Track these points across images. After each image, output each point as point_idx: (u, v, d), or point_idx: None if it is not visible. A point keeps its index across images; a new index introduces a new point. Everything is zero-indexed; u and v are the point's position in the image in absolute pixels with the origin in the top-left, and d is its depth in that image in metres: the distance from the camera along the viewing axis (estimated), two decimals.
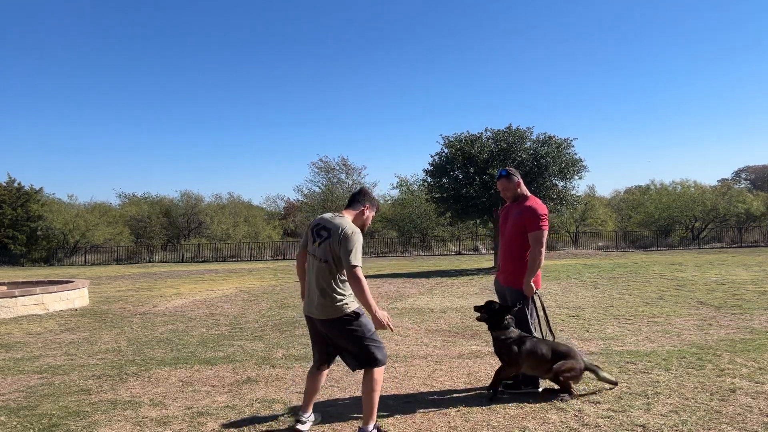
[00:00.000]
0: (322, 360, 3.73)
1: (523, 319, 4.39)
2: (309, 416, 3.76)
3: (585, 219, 37.75)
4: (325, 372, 3.82)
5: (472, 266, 20.88)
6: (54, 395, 4.75)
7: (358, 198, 3.72)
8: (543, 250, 4.29)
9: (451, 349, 6.21)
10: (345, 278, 3.48)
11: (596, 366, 4.42)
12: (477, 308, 4.46)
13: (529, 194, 4.54)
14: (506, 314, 4.29)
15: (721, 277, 12.95)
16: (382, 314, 3.42)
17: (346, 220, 3.56)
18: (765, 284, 11.29)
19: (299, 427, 3.66)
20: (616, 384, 4.39)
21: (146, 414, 4.16)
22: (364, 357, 3.49)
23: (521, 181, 4.57)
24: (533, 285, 4.31)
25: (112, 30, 79.76)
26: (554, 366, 4.14)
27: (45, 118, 78.84)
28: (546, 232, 4.33)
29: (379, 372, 3.50)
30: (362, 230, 3.64)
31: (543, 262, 4.33)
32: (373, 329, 3.52)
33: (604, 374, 4.40)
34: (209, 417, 4.05)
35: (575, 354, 4.26)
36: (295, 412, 3.95)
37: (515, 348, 4.16)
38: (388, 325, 3.42)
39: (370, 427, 3.46)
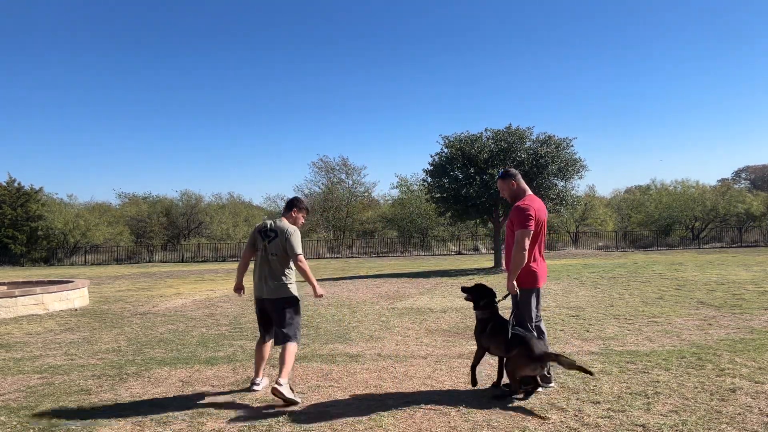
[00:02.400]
0: (269, 335, 4.83)
1: (521, 318, 4.41)
2: (261, 380, 4.81)
3: (585, 219, 37.75)
4: (270, 344, 4.85)
5: (472, 266, 20.87)
6: (54, 395, 4.75)
7: (288, 206, 4.92)
8: (523, 249, 4.24)
9: (451, 349, 6.21)
10: (291, 266, 4.73)
11: (558, 355, 4.22)
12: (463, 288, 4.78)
13: (525, 194, 4.54)
14: (485, 297, 4.52)
15: (721, 277, 12.95)
16: (321, 289, 4.79)
17: (286, 222, 4.77)
18: (765, 284, 11.29)
19: (255, 388, 4.70)
20: (590, 373, 4.15)
21: (146, 414, 4.16)
22: (288, 333, 4.61)
23: (516, 181, 4.57)
24: (515, 283, 4.30)
25: (112, 30, 79.82)
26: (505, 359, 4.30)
27: (45, 118, 78.89)
28: (528, 231, 4.26)
29: (294, 346, 4.61)
30: (297, 227, 4.86)
31: (524, 261, 4.26)
32: (300, 317, 4.79)
33: (568, 360, 4.16)
34: (209, 417, 4.05)
35: (527, 340, 4.16)
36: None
37: (479, 327, 4.56)
38: (321, 295, 4.81)
39: (285, 379, 4.38)
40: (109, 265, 33.76)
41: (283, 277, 4.65)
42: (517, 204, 4.42)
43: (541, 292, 4.58)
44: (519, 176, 4.64)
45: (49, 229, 36.79)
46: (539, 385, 4.30)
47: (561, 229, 36.24)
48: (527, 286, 4.39)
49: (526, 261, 4.29)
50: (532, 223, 4.29)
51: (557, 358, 4.17)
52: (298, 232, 4.74)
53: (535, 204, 4.41)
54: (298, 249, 4.63)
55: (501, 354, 4.39)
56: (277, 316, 4.64)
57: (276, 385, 4.22)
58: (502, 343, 4.31)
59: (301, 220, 4.92)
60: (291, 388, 4.43)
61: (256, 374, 4.83)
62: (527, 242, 4.27)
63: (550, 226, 34.33)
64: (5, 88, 72.45)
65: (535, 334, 4.41)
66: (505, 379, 4.41)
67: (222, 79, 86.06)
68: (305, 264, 4.64)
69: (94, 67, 79.27)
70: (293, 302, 4.67)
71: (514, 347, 4.22)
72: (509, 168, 4.77)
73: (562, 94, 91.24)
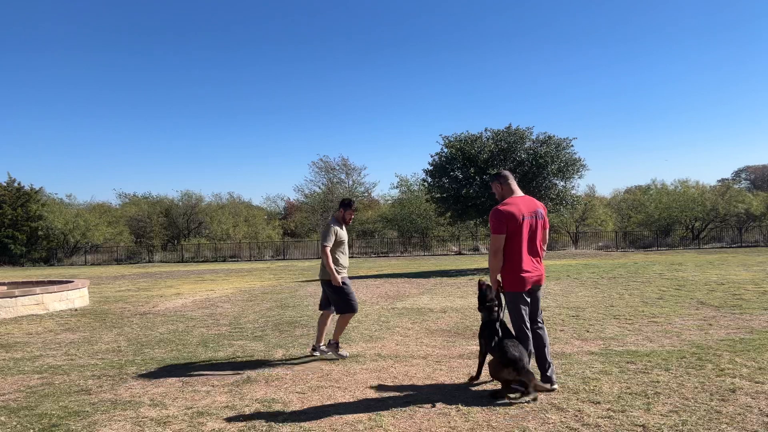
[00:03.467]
0: (325, 308, 5.99)
1: (513, 321, 4.49)
2: (323, 346, 5.93)
3: (585, 219, 37.77)
4: (328, 315, 5.98)
5: (472, 266, 20.87)
6: (54, 395, 4.75)
7: (339, 205, 6.01)
8: (493, 252, 4.40)
9: (451, 349, 6.21)
10: (336, 255, 5.79)
11: (531, 375, 4.22)
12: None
13: (511, 195, 4.54)
14: (485, 301, 4.66)
15: (721, 277, 12.94)
16: (337, 278, 5.65)
17: (330, 219, 5.90)
18: (765, 284, 11.29)
19: (316, 353, 5.87)
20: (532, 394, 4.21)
21: (146, 414, 4.16)
22: (336, 308, 5.83)
23: (502, 183, 4.60)
24: (498, 283, 4.46)
25: (112, 29, 79.81)
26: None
27: (45, 118, 78.91)
28: (497, 235, 4.34)
29: (346, 316, 5.81)
30: (346, 223, 5.98)
31: (499, 264, 4.36)
32: (349, 294, 5.76)
33: (541, 386, 4.24)
34: (209, 417, 4.05)
35: (504, 348, 4.24)
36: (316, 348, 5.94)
37: (480, 330, 4.69)
38: (338, 283, 5.67)
39: (335, 340, 5.87)
40: (109, 265, 33.75)
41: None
42: (493, 209, 4.48)
43: (539, 294, 4.55)
44: (507, 179, 4.61)
45: (49, 229, 36.78)
46: (528, 390, 4.20)
47: (561, 229, 36.24)
48: (510, 290, 4.42)
49: (499, 263, 4.38)
50: (501, 226, 4.34)
51: (527, 376, 4.16)
52: (330, 227, 5.75)
53: (510, 206, 4.40)
54: (324, 240, 5.71)
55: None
56: (325, 293, 5.91)
57: (324, 347, 5.90)
58: (488, 346, 4.46)
59: (348, 217, 5.95)
60: (337, 346, 5.87)
61: (318, 341, 5.95)
62: (497, 245, 4.36)
63: (550, 226, 34.32)
64: (5, 87, 72.50)
65: (530, 337, 4.43)
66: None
67: (222, 79, 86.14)
68: (326, 255, 5.66)
69: (93, 67, 79.36)
70: (332, 284, 5.71)
71: (494, 352, 4.36)
72: (501, 170, 4.82)
73: (562, 94, 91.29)
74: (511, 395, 4.22)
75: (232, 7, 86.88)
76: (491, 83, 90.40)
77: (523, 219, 4.37)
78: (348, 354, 5.90)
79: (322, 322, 6.01)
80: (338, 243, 5.80)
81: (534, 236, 4.46)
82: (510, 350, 4.24)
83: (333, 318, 6.09)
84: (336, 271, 5.70)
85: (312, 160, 64.90)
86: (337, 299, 5.75)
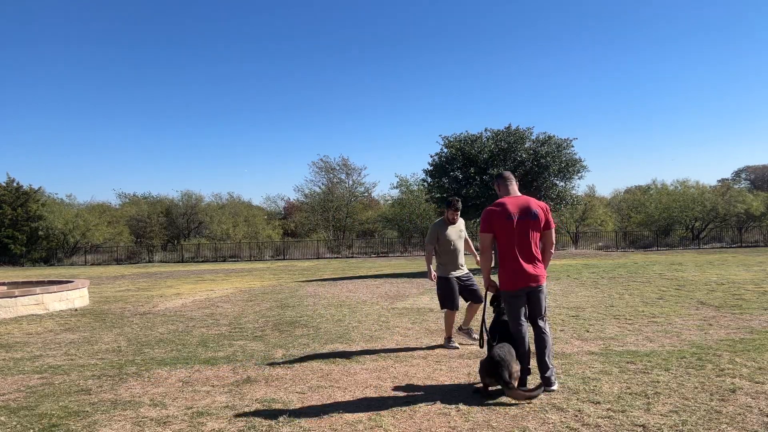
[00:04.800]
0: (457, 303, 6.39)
1: (507, 316, 4.62)
2: (453, 341, 6.30)
3: (585, 219, 37.77)
4: (474, 306, 6.40)
5: (472, 266, 20.84)
6: (54, 395, 4.75)
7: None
8: (481, 251, 4.65)
9: (451, 349, 6.20)
10: (440, 253, 6.27)
11: (512, 387, 4.16)
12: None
13: (506, 196, 4.60)
14: (494, 302, 4.92)
15: (721, 277, 12.95)
16: (431, 274, 6.26)
17: (437, 220, 6.52)
18: (765, 284, 11.29)
19: (452, 344, 6.22)
20: (540, 387, 4.27)
21: (146, 414, 4.16)
22: (440, 302, 6.36)
23: (499, 184, 4.71)
24: (492, 282, 4.69)
25: (111, 29, 79.83)
26: None
27: (45, 118, 78.94)
28: (483, 234, 4.52)
29: (446, 312, 6.28)
30: (451, 222, 6.39)
31: (487, 263, 4.63)
32: (445, 290, 6.21)
33: (519, 393, 4.19)
34: (209, 417, 4.05)
35: (490, 354, 4.31)
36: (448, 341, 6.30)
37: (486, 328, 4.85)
38: (432, 278, 6.26)
39: (447, 334, 6.35)
40: (109, 265, 33.75)
41: (434, 259, 6.37)
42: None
43: (541, 296, 4.51)
44: (505, 180, 4.67)
45: (49, 229, 36.77)
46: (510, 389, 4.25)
47: (561, 229, 36.23)
48: (501, 288, 4.58)
49: (487, 262, 4.63)
50: (486, 225, 4.50)
51: (507, 385, 4.14)
52: (432, 227, 6.39)
53: (497, 206, 4.48)
54: (426, 239, 6.47)
55: None
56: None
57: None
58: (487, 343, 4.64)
59: (451, 216, 6.37)
60: (470, 331, 6.42)
61: (449, 336, 6.36)
62: (483, 244, 4.54)
63: None
64: (5, 87, 72.53)
65: (524, 337, 4.48)
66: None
67: (222, 79, 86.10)
68: (426, 250, 6.45)
69: (94, 66, 79.34)
70: (438, 279, 6.26)
71: (487, 355, 4.42)
72: (502, 171, 4.92)
73: (562, 94, 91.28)
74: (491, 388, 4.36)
75: (232, 6, 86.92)
76: (491, 83, 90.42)
77: (509, 218, 4.39)
78: (476, 337, 6.20)
79: (469, 309, 6.49)
80: (444, 242, 6.24)
81: (525, 236, 4.40)
82: (494, 362, 4.23)
83: (470, 307, 6.50)
84: (443, 265, 6.25)
85: (312, 160, 64.92)
86: (438, 294, 6.32)
